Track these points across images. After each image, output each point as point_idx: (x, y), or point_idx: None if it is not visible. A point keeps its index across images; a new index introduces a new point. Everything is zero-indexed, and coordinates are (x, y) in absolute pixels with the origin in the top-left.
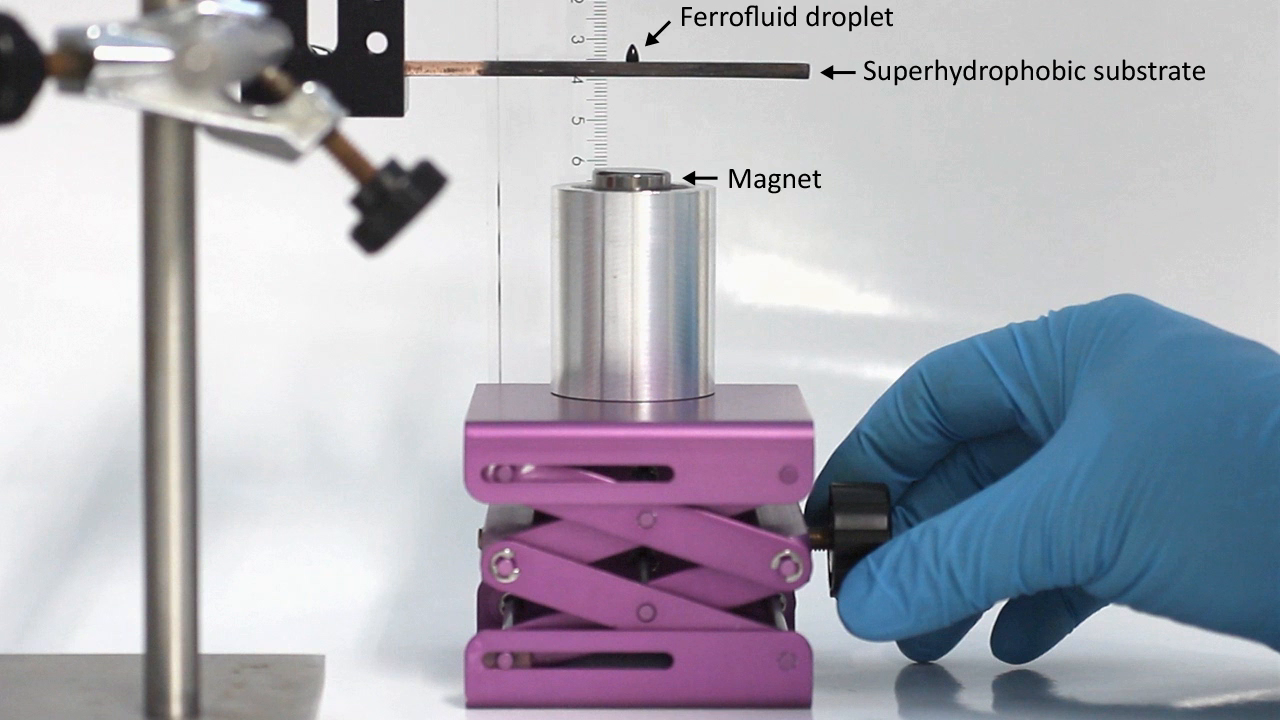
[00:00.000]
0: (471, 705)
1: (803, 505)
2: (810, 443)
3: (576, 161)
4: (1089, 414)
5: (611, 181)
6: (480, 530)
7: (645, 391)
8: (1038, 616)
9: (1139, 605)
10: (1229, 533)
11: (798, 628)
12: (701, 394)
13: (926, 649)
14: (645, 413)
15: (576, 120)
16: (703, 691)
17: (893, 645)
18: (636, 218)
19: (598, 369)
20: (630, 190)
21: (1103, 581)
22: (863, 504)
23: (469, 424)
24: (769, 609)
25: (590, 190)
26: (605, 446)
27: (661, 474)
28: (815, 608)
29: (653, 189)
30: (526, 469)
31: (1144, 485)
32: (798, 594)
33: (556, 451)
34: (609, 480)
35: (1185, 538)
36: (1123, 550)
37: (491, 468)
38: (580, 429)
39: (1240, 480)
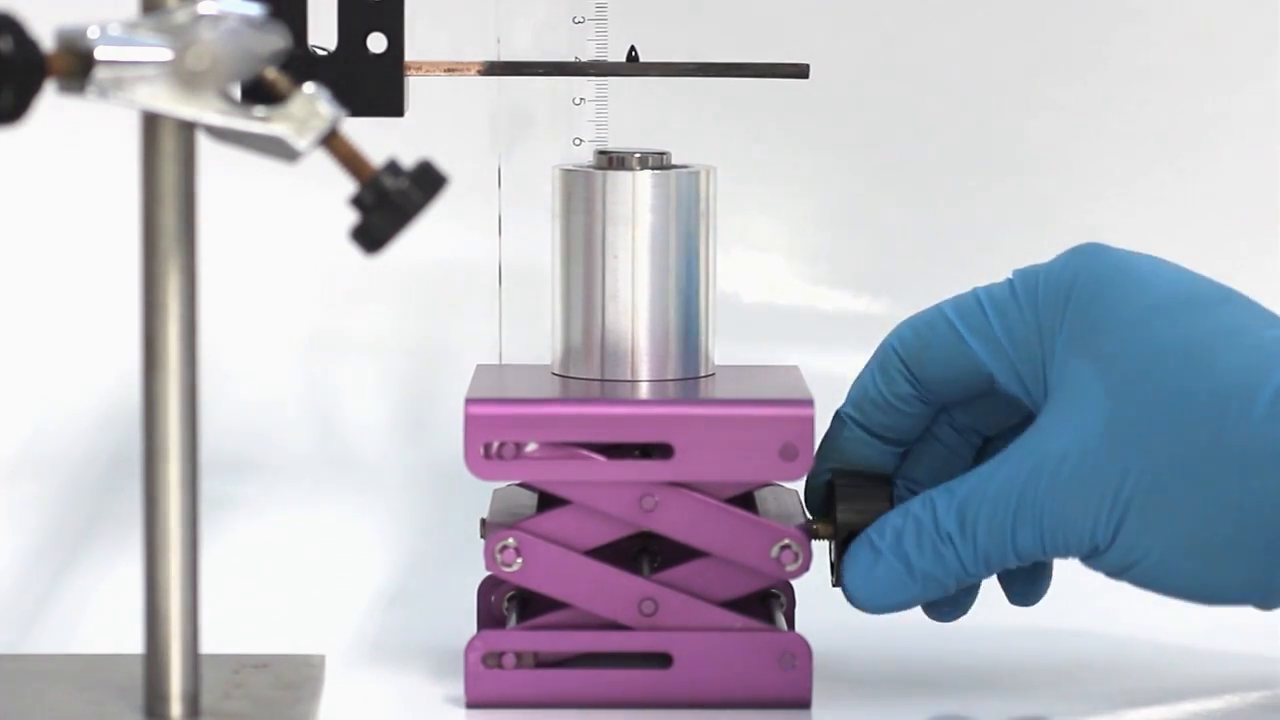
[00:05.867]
0: (471, 705)
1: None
2: (810, 420)
3: (578, 142)
4: (1081, 390)
5: (612, 161)
6: (482, 519)
7: (645, 370)
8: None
9: (1138, 584)
10: (1227, 521)
11: (798, 628)
12: (702, 373)
13: (944, 612)
14: (645, 391)
15: (578, 101)
16: (703, 691)
17: (892, 646)
18: (637, 197)
19: (598, 348)
20: (631, 169)
21: (1099, 561)
22: (865, 494)
23: (469, 401)
24: (769, 609)
25: (591, 169)
26: (605, 424)
27: (662, 452)
28: (815, 607)
29: (653, 168)
30: (530, 447)
31: (1141, 472)
32: (798, 594)
33: (556, 429)
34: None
35: (1183, 526)
36: (1119, 537)
37: (495, 444)
38: (580, 406)
39: (1235, 467)
